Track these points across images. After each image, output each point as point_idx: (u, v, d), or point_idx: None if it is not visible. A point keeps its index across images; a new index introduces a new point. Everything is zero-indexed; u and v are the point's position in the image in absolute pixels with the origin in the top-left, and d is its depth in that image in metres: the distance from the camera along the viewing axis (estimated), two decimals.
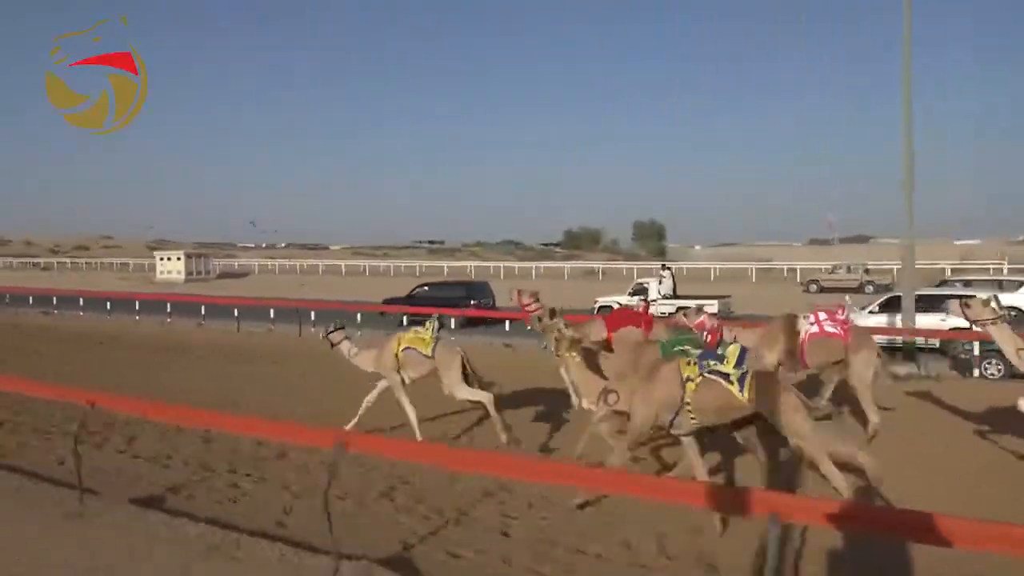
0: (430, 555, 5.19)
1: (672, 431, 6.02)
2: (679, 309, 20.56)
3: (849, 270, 35.99)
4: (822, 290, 33.22)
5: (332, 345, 8.76)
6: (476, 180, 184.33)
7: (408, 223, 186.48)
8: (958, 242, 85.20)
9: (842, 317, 8.03)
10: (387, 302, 21.97)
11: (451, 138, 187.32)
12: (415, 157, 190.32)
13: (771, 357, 8.08)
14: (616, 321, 9.57)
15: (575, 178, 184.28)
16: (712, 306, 20.73)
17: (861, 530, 4.32)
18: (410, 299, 21.62)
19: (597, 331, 8.86)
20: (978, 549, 3.55)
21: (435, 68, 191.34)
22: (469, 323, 19.61)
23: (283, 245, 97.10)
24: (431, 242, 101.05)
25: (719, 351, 5.86)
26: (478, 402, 8.09)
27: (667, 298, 21.70)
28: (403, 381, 8.24)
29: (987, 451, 7.67)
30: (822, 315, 8.01)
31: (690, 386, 5.65)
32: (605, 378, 6.54)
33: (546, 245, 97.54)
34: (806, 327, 7.93)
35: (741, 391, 5.48)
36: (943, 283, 22.71)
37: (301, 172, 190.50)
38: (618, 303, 19.44)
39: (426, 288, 22.90)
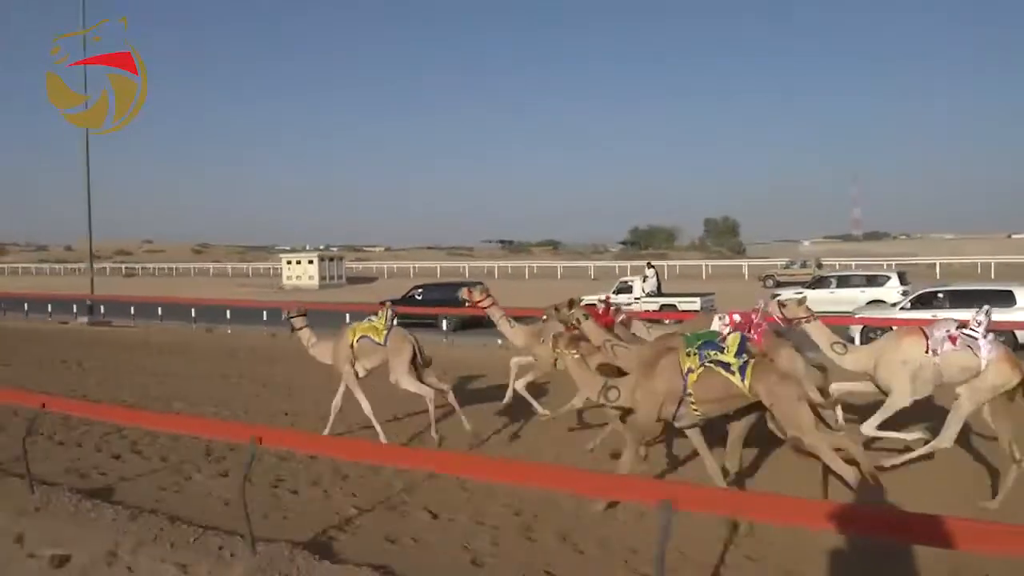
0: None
1: (676, 424, 5.97)
2: (663, 307, 21.63)
3: (804, 265, 39.00)
4: (778, 284, 34.68)
5: (293, 330, 8.67)
6: (514, 180, 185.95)
7: (428, 223, 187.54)
8: (1016, 235, 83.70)
9: (756, 320, 7.94)
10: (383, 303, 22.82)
11: (482, 136, 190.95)
12: (446, 159, 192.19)
13: None
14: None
15: (604, 178, 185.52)
16: (694, 303, 21.64)
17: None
18: (406, 300, 22.54)
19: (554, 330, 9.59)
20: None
21: (484, 67, 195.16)
22: (467, 324, 20.16)
23: (321, 247, 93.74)
24: (501, 241, 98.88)
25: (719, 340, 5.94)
26: (419, 395, 8.14)
27: (651, 295, 22.60)
28: (357, 374, 8.27)
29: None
30: (737, 317, 7.93)
31: (691, 377, 5.65)
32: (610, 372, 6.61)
33: (624, 244, 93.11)
34: (719, 326, 7.79)
35: (742, 380, 5.49)
36: (820, 279, 24.12)
37: (338, 174, 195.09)
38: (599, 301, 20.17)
39: (421, 290, 23.85)
